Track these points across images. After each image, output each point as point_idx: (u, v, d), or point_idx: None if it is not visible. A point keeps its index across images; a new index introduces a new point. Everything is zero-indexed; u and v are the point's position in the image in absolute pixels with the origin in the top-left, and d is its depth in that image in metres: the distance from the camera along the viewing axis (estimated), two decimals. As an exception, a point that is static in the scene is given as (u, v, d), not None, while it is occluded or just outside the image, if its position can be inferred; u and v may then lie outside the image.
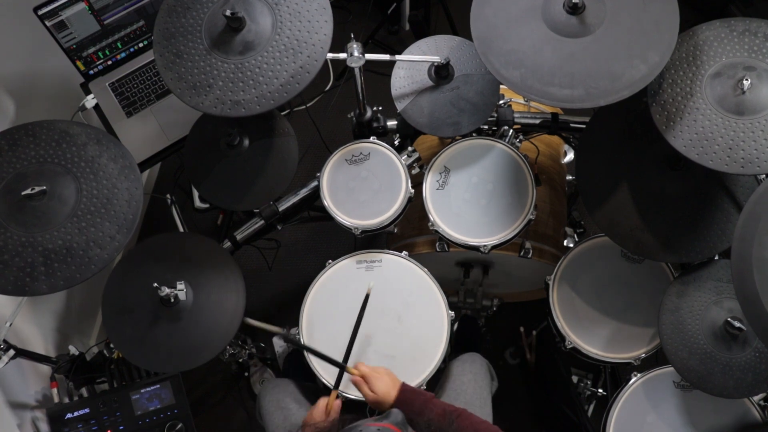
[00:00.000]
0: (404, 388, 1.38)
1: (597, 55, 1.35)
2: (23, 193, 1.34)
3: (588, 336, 1.67)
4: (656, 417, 1.57)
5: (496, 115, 1.77)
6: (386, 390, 1.36)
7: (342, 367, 1.48)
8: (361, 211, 1.68)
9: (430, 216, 1.67)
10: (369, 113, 1.79)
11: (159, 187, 2.58)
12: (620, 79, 1.32)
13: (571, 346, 1.67)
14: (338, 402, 1.43)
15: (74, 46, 1.78)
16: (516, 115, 1.80)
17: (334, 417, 1.39)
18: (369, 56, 1.54)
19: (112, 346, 1.74)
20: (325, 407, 1.41)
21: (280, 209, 1.81)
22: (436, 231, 1.67)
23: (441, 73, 1.67)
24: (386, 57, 1.62)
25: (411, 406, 1.33)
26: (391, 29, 2.85)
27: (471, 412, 1.32)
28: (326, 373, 1.60)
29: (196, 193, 2.56)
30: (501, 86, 1.68)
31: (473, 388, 1.60)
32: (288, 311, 2.40)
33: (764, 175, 1.53)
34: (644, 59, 1.32)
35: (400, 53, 1.69)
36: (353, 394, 1.58)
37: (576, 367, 2.09)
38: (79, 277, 1.34)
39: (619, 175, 1.55)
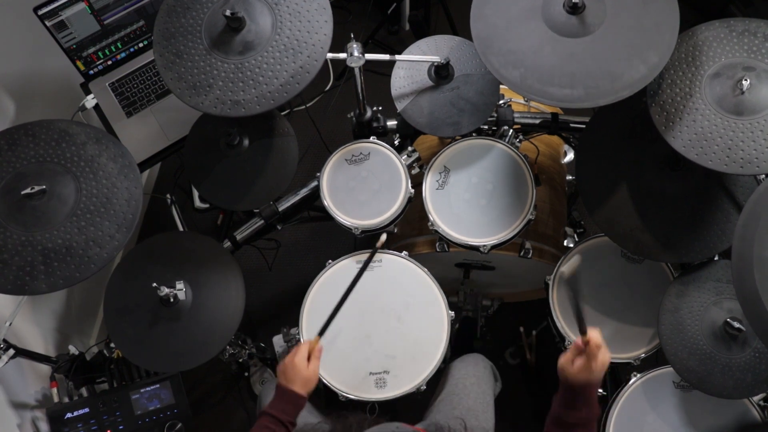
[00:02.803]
0: (595, 385, 1.25)
1: (597, 55, 1.35)
2: (23, 192, 1.34)
3: (588, 336, 1.67)
4: (656, 417, 1.57)
5: (496, 115, 1.77)
6: (591, 377, 1.22)
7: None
8: (361, 211, 1.68)
9: (430, 216, 1.67)
10: (369, 113, 1.79)
11: (159, 187, 2.58)
12: (620, 80, 1.32)
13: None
14: (320, 347, 1.36)
15: (74, 46, 1.78)
16: (516, 115, 1.80)
17: (315, 365, 1.32)
18: (369, 56, 1.54)
19: (112, 345, 1.74)
20: (307, 351, 1.33)
21: (280, 209, 1.81)
22: (436, 231, 1.67)
23: (441, 73, 1.67)
24: (386, 57, 1.62)
25: (574, 403, 1.23)
26: (391, 29, 2.85)
27: None
28: (325, 373, 1.60)
29: (196, 193, 2.55)
30: (501, 86, 1.68)
31: (476, 393, 1.59)
32: (288, 311, 2.40)
33: (764, 175, 1.53)
34: (644, 60, 1.32)
35: (400, 53, 1.69)
36: (354, 394, 1.58)
37: (576, 367, 2.09)
38: (78, 277, 1.34)
39: (619, 175, 1.55)
